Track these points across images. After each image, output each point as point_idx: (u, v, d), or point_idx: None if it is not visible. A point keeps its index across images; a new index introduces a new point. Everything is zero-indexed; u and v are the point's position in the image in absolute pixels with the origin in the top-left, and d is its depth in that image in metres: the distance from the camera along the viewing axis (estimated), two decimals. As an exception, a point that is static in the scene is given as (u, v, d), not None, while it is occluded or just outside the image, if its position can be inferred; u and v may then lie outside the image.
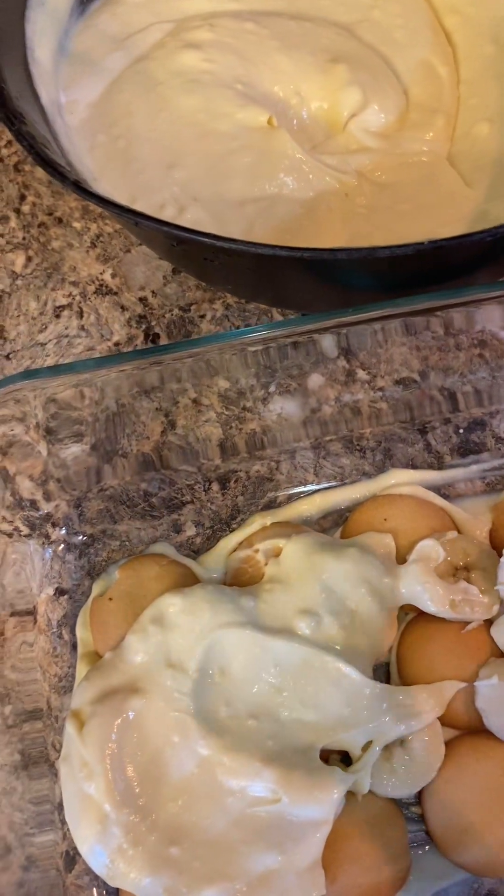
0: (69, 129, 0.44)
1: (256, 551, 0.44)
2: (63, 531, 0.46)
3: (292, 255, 0.32)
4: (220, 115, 0.45)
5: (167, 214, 0.41)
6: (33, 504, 0.46)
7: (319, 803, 0.37)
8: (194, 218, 0.42)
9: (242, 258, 0.34)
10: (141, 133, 0.45)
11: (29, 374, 0.38)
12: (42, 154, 0.36)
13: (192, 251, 0.37)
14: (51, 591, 0.45)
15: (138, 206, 0.40)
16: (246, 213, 0.43)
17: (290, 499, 0.47)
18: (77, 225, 0.54)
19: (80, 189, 0.35)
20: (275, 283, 0.41)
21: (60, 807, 0.39)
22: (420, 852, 0.40)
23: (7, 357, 0.51)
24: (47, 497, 0.46)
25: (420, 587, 0.41)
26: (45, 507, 0.46)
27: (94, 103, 0.46)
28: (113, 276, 0.52)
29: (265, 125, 0.45)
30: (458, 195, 0.46)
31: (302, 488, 0.47)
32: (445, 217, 0.45)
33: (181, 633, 0.40)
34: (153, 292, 0.52)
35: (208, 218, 0.42)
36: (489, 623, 0.41)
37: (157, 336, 0.51)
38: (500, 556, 0.41)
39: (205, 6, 0.50)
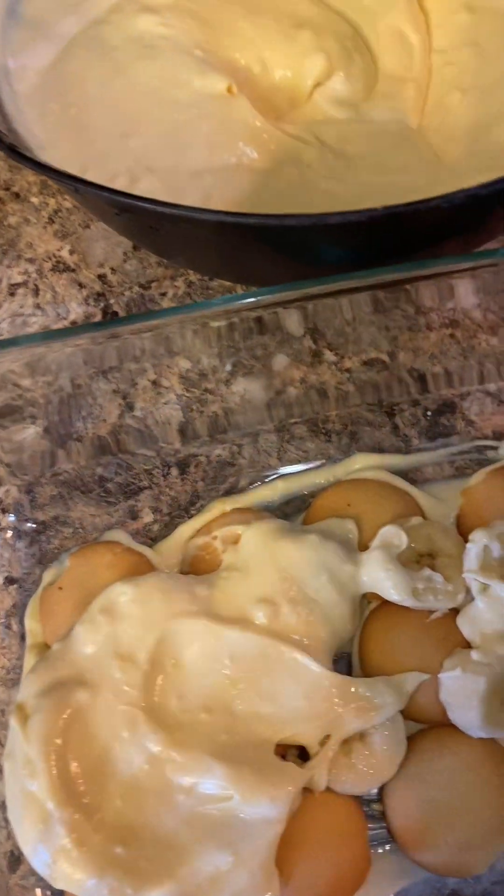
0: (17, 96, 0.41)
1: (214, 538, 0.42)
2: (13, 518, 0.44)
3: (238, 220, 0.30)
4: (178, 82, 0.43)
5: (119, 184, 0.39)
6: (-18, 489, 0.44)
7: (272, 801, 0.35)
8: (148, 188, 0.40)
9: (189, 225, 0.32)
10: (94, 101, 0.43)
11: (-31, 351, 0.36)
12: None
13: (135, 220, 0.35)
14: (0, 579, 0.43)
15: (89, 176, 0.38)
16: (203, 184, 0.41)
17: (252, 484, 0.45)
18: (35, 200, 0.52)
19: (15, 153, 0.33)
20: (233, 257, 0.40)
21: (4, 805, 0.38)
22: (381, 851, 0.38)
23: (-40, 337, 0.49)
24: (-3, 482, 0.44)
25: (382, 574, 0.39)
26: (-5, 493, 0.44)
27: (44, 70, 0.44)
28: (71, 252, 0.50)
29: (225, 93, 0.43)
30: (429, 166, 0.44)
31: (264, 473, 0.45)
32: (415, 189, 0.43)
33: (131, 623, 0.38)
34: (112, 269, 0.50)
35: (163, 188, 0.40)
36: (456, 612, 0.39)
37: (115, 314, 0.49)
38: (466, 542, 0.40)
39: None
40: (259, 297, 0.38)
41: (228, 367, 0.47)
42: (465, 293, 0.46)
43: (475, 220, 0.36)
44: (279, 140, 0.42)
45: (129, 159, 0.41)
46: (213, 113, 0.42)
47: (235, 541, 0.42)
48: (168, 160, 0.41)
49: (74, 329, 0.37)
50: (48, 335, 0.37)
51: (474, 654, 0.38)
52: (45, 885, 0.38)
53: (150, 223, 0.34)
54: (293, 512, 0.44)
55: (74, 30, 0.45)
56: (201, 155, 0.42)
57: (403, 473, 0.44)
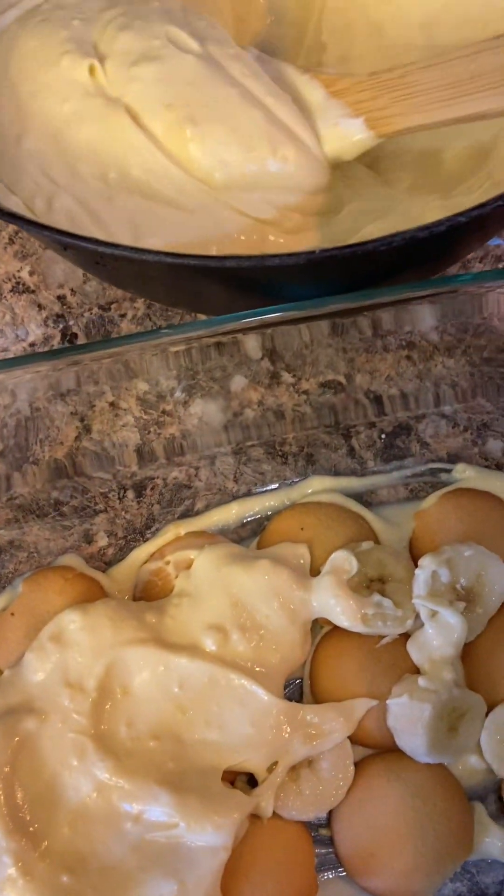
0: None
1: (167, 563, 0.42)
2: (-33, 542, 0.44)
3: (177, 262, 0.30)
4: (47, 62, 0.39)
5: (37, 207, 0.38)
6: None
7: (217, 828, 0.35)
8: (65, 207, 0.38)
9: (130, 263, 0.32)
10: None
11: None
12: None
13: (81, 256, 0.35)
14: (-46, 604, 0.43)
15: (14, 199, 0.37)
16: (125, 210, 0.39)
17: (209, 507, 0.45)
18: (-5, 220, 0.52)
19: None
20: (182, 290, 0.39)
21: (-47, 832, 0.38)
22: (328, 876, 0.38)
23: None
24: (-49, 506, 0.44)
25: (332, 600, 0.39)
26: None
27: None
28: (31, 273, 0.50)
29: (88, 79, 0.39)
30: (379, 194, 0.44)
31: (221, 496, 0.45)
32: (368, 216, 0.43)
33: (80, 650, 0.38)
34: (72, 290, 0.50)
35: (81, 211, 0.38)
36: (406, 637, 0.40)
37: (74, 336, 0.49)
38: (416, 567, 0.40)
39: None
40: (216, 326, 0.38)
41: (186, 390, 0.47)
42: (422, 317, 0.46)
43: (426, 256, 0.36)
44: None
45: (32, 170, 0.39)
46: (91, 113, 0.39)
47: (188, 565, 0.42)
48: (67, 174, 0.39)
49: (34, 356, 0.37)
50: (8, 363, 0.37)
51: (422, 681, 0.38)
52: (-5, 913, 0.38)
53: (94, 259, 0.34)
54: (249, 535, 0.45)
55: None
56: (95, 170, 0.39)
57: (358, 496, 0.45)
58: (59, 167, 0.37)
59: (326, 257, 0.30)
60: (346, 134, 0.40)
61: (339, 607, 0.39)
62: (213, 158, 0.39)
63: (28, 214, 0.35)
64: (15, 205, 0.37)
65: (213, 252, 0.37)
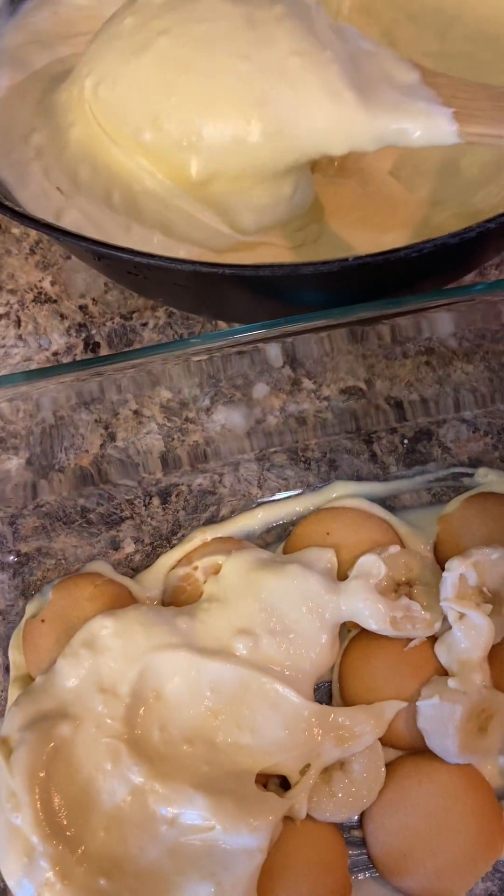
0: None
1: (196, 568, 0.43)
2: (-4, 550, 0.44)
3: (212, 271, 0.30)
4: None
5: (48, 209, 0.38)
6: (-36, 522, 0.44)
7: (253, 830, 0.36)
8: (73, 216, 0.39)
9: (167, 273, 0.32)
10: (23, 99, 0.42)
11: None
12: None
13: (114, 265, 0.36)
14: (-17, 612, 0.43)
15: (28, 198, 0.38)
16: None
17: (233, 513, 0.46)
18: (16, 231, 0.52)
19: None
20: (210, 298, 0.40)
21: (-11, 838, 0.38)
22: (361, 877, 0.39)
23: None
24: (-20, 515, 0.44)
25: (361, 604, 0.40)
26: (-23, 526, 0.44)
27: (11, 86, 0.43)
28: (52, 283, 0.51)
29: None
30: (397, 200, 0.45)
31: (245, 502, 0.46)
32: (388, 224, 0.44)
33: (113, 656, 0.39)
34: (94, 300, 0.50)
35: (83, 219, 0.39)
36: (433, 640, 0.40)
37: (97, 345, 0.49)
38: (443, 570, 0.40)
39: None
40: (239, 335, 0.38)
41: (209, 397, 0.47)
42: (441, 323, 0.47)
43: (449, 263, 0.37)
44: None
45: (36, 169, 0.40)
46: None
47: (216, 571, 0.42)
48: (68, 179, 0.40)
49: (57, 368, 0.38)
50: (31, 375, 0.37)
51: (451, 682, 0.38)
52: (31, 918, 0.38)
53: (127, 269, 0.35)
54: (274, 540, 0.45)
55: (43, 63, 0.45)
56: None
57: (381, 501, 0.45)
58: (61, 176, 0.38)
59: (359, 265, 0.30)
60: (428, 117, 0.36)
61: (367, 611, 0.39)
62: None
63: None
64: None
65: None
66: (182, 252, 0.36)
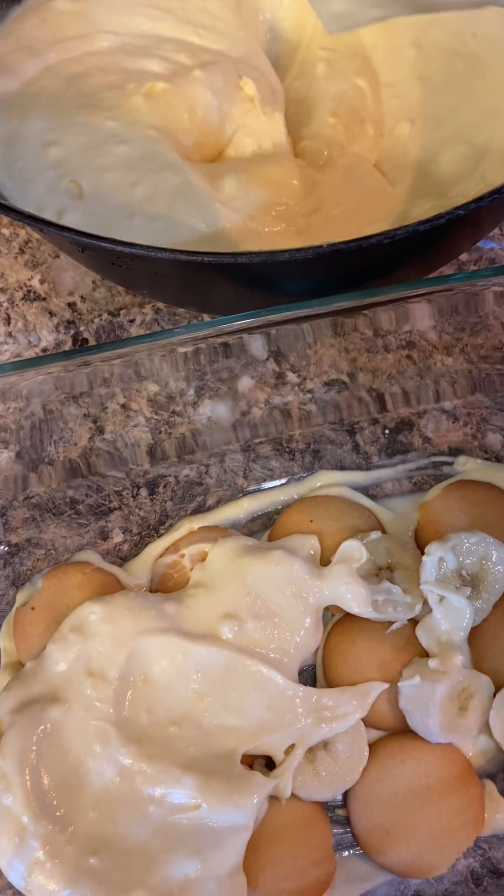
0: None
1: (182, 556, 0.44)
2: (-14, 540, 0.45)
3: (192, 259, 0.31)
4: (114, 85, 0.43)
5: (46, 216, 0.40)
6: (-45, 514, 0.45)
7: (239, 808, 0.37)
8: (75, 217, 0.41)
9: (148, 263, 0.33)
10: (33, 114, 0.43)
11: None
12: None
13: (98, 257, 0.37)
14: (-26, 601, 0.44)
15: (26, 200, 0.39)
16: (132, 223, 0.41)
17: (220, 502, 0.47)
18: (5, 231, 0.53)
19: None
20: (194, 289, 0.41)
21: (-20, 820, 0.39)
22: (346, 854, 0.39)
23: None
24: (-29, 506, 0.45)
25: (343, 588, 0.40)
26: (-31, 517, 0.45)
27: (5, 95, 0.45)
28: (41, 281, 0.52)
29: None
30: (381, 194, 0.46)
31: (231, 492, 0.47)
32: (370, 216, 0.45)
33: (101, 640, 0.39)
34: (82, 297, 0.51)
35: (87, 220, 0.41)
36: (415, 623, 0.41)
37: (85, 341, 0.50)
38: (423, 555, 0.41)
39: (145, 25, 0.49)
40: (222, 325, 0.39)
41: (195, 391, 0.48)
42: (421, 315, 0.48)
43: (423, 251, 0.38)
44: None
45: (50, 180, 0.42)
46: (139, 137, 0.43)
47: (203, 558, 0.43)
48: (91, 182, 0.42)
49: (46, 357, 0.39)
50: (20, 364, 0.38)
51: (432, 663, 0.39)
52: (23, 898, 0.39)
53: (111, 260, 0.36)
54: (259, 529, 0.46)
55: (33, 71, 0.47)
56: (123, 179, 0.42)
57: (364, 489, 0.46)
58: (85, 178, 0.39)
59: (333, 251, 0.31)
60: None
61: (349, 594, 0.40)
62: None
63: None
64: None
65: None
66: (181, 235, 0.38)
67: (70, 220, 0.39)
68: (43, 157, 0.40)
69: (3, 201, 0.35)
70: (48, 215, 0.39)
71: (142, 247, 0.32)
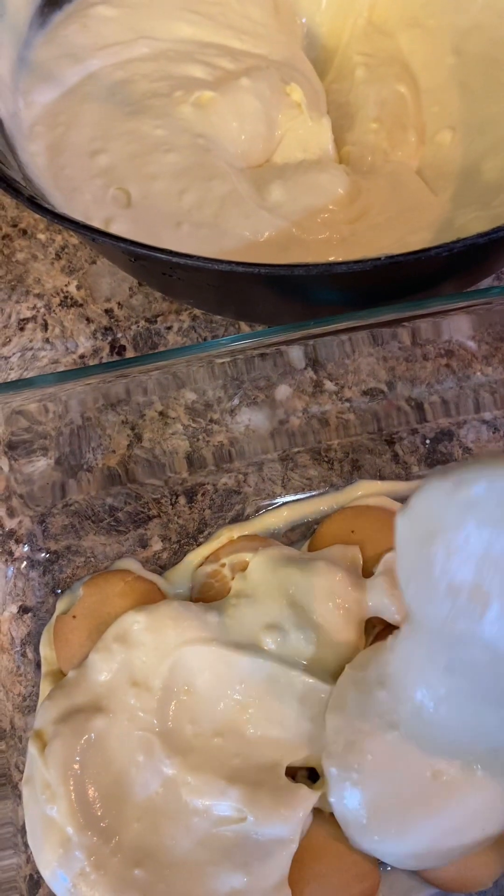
0: (26, 141, 0.43)
1: (223, 565, 0.43)
2: (26, 548, 0.45)
3: (247, 271, 0.31)
4: (159, 93, 0.44)
5: (97, 218, 0.40)
6: (-4, 521, 0.45)
7: (285, 821, 0.36)
8: (122, 225, 0.41)
9: (201, 273, 0.33)
10: (78, 120, 0.44)
11: (-14, 390, 0.37)
12: (-4, 170, 0.35)
13: (148, 267, 0.37)
14: (14, 608, 0.44)
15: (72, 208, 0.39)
16: (179, 228, 0.42)
17: (258, 511, 0.46)
18: (42, 237, 0.53)
19: (35, 205, 0.34)
20: (238, 298, 0.41)
21: (23, 829, 0.39)
22: (389, 868, 0.39)
23: (-29, 371, 0.50)
24: (10, 513, 0.45)
25: (387, 600, 0.40)
26: (8, 524, 0.45)
27: (48, 103, 0.45)
28: (78, 287, 0.52)
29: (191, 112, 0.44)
30: (424, 202, 0.46)
31: (270, 501, 0.47)
32: (413, 224, 0.45)
33: (145, 650, 0.39)
34: (119, 304, 0.51)
35: (134, 229, 0.41)
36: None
37: (122, 348, 0.50)
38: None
39: (185, 31, 0.49)
40: (262, 338, 0.39)
41: (233, 399, 0.48)
42: (460, 325, 0.48)
43: (473, 264, 0.38)
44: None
45: (97, 188, 0.42)
46: (187, 145, 0.43)
47: (243, 568, 0.43)
48: (138, 190, 0.42)
49: (86, 370, 0.39)
50: (62, 376, 0.38)
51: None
52: (65, 909, 0.39)
53: (162, 270, 0.36)
54: (298, 538, 0.46)
55: (76, 78, 0.47)
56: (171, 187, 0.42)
57: (404, 500, 0.46)
58: (133, 185, 0.39)
59: (390, 264, 0.31)
60: None
61: (394, 606, 0.40)
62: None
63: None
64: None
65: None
66: (227, 243, 0.38)
67: (117, 229, 0.39)
68: (90, 165, 0.40)
69: (55, 210, 0.35)
70: (95, 223, 0.39)
71: (198, 258, 0.32)
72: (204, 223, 0.40)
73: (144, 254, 0.33)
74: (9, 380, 0.50)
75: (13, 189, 0.35)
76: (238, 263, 0.32)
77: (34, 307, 0.51)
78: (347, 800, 0.36)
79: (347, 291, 0.39)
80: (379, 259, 0.31)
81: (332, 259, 0.40)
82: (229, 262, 0.32)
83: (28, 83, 0.46)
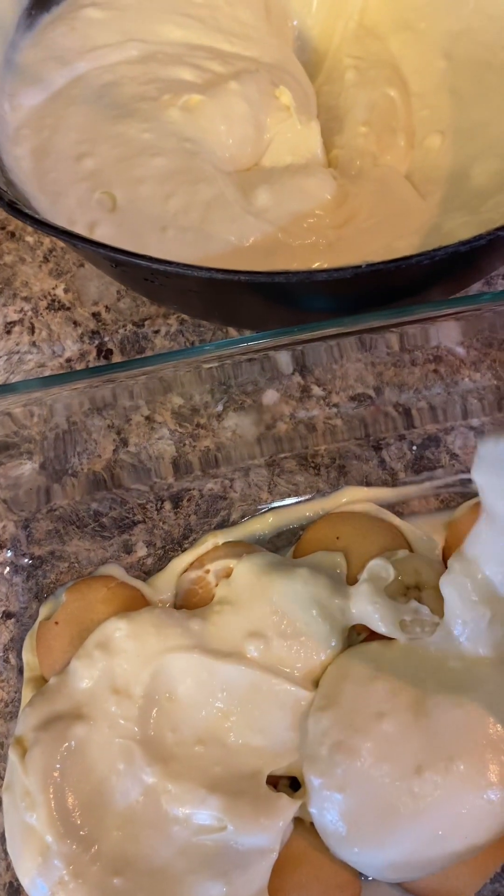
0: (11, 145, 0.43)
1: (207, 572, 0.43)
2: (10, 553, 0.45)
3: (227, 277, 0.31)
4: (146, 97, 0.43)
5: (77, 230, 0.40)
6: (-21, 526, 0.45)
7: (265, 831, 0.36)
8: (106, 230, 0.41)
9: (183, 280, 0.33)
10: (63, 123, 0.44)
11: (-32, 395, 0.37)
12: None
13: (130, 272, 0.37)
14: (-3, 614, 0.44)
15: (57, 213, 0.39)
16: (165, 236, 0.41)
17: (244, 517, 0.46)
18: (30, 239, 0.53)
19: (16, 210, 0.34)
20: (223, 304, 0.41)
21: (3, 837, 0.38)
22: (370, 877, 0.39)
23: (-43, 374, 0.50)
24: (-6, 518, 0.45)
25: (370, 607, 0.40)
26: (-8, 529, 0.45)
27: (34, 106, 0.45)
28: (66, 290, 0.52)
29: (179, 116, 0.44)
30: (412, 207, 0.45)
31: (255, 506, 0.46)
32: (401, 229, 0.44)
33: (127, 657, 0.39)
34: (107, 307, 0.51)
35: (119, 233, 0.40)
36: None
37: (109, 352, 0.50)
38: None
39: (175, 34, 0.49)
40: (249, 343, 0.39)
41: (220, 404, 0.48)
42: (448, 331, 0.48)
43: (459, 270, 0.38)
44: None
45: (83, 192, 0.41)
46: (174, 149, 0.43)
47: (228, 574, 0.43)
48: (125, 195, 0.42)
49: (72, 374, 0.39)
50: (46, 381, 0.38)
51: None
52: (44, 916, 0.39)
53: (144, 276, 0.35)
54: (284, 545, 0.46)
55: (63, 80, 0.46)
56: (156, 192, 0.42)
57: (391, 506, 0.46)
58: (119, 190, 0.39)
59: (371, 272, 0.31)
60: None
61: (377, 614, 0.40)
62: None
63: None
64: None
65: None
66: (213, 248, 0.38)
67: (102, 233, 0.39)
68: (76, 168, 0.40)
69: (35, 215, 0.35)
70: (80, 228, 0.38)
71: (178, 265, 0.31)
72: (189, 227, 0.40)
73: (125, 260, 0.33)
74: (-5, 383, 0.50)
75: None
76: (218, 270, 0.31)
77: (21, 310, 0.51)
78: (328, 810, 0.36)
79: (332, 298, 0.39)
80: (360, 267, 0.31)
81: (317, 265, 0.40)
82: (209, 269, 0.31)
83: (14, 86, 0.45)
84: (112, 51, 0.47)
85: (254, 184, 0.43)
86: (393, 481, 0.46)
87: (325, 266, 0.40)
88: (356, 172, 0.46)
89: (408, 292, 0.41)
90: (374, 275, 0.32)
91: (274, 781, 0.39)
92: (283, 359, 0.48)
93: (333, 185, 0.44)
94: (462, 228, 0.43)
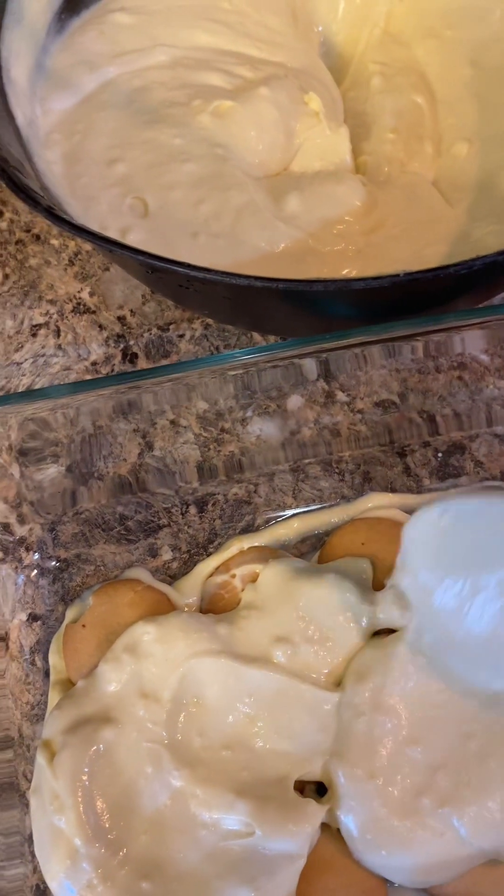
0: (43, 149, 0.43)
1: (233, 576, 0.43)
2: (37, 556, 0.45)
3: (266, 285, 0.31)
4: (176, 102, 0.44)
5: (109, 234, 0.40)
6: (6, 528, 0.45)
7: (293, 836, 0.36)
8: (139, 235, 0.41)
9: (217, 286, 0.33)
10: (95, 129, 0.44)
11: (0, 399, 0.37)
12: (14, 179, 0.35)
13: (165, 279, 0.37)
14: (23, 616, 0.44)
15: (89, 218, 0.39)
16: (196, 242, 0.41)
17: (269, 522, 0.46)
18: (55, 242, 0.53)
19: (54, 216, 0.34)
20: (252, 310, 0.41)
21: (31, 839, 0.39)
22: (397, 884, 0.39)
23: (-18, 376, 0.50)
24: (21, 520, 0.45)
25: (397, 612, 0.40)
26: (19, 531, 0.45)
27: (65, 111, 0.45)
28: (91, 294, 0.52)
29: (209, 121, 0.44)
30: (440, 214, 0.46)
31: (280, 512, 0.46)
32: (429, 237, 0.45)
33: (155, 662, 0.39)
34: (132, 311, 0.51)
35: (151, 239, 0.41)
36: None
37: (135, 356, 0.50)
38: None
39: (203, 39, 0.49)
40: (275, 351, 0.39)
41: (245, 409, 0.48)
42: (473, 338, 0.48)
43: (490, 280, 0.38)
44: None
45: (114, 197, 0.42)
46: (205, 155, 0.43)
47: (254, 579, 0.43)
48: (156, 201, 0.42)
49: (99, 381, 0.39)
50: (75, 387, 0.38)
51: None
52: (71, 919, 0.39)
53: (179, 283, 0.36)
54: (308, 550, 0.46)
55: (93, 85, 0.47)
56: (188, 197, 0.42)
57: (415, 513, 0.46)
58: (150, 196, 0.39)
59: (409, 280, 0.31)
60: None
61: (404, 619, 0.40)
62: None
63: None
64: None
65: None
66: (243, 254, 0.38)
67: (133, 239, 0.39)
68: (107, 173, 0.40)
69: (72, 220, 0.35)
70: (111, 233, 0.39)
71: (216, 272, 0.32)
72: (221, 234, 0.40)
73: (163, 267, 0.33)
74: (21, 385, 0.50)
75: (31, 199, 0.35)
76: (256, 278, 0.32)
77: (47, 313, 0.51)
78: (354, 811, 0.36)
79: (362, 306, 0.39)
80: (398, 275, 0.31)
81: (346, 271, 0.40)
82: (247, 277, 0.32)
83: (45, 90, 0.46)
84: (141, 56, 0.47)
85: (284, 190, 0.43)
86: (418, 488, 0.47)
87: (355, 272, 0.40)
88: (384, 179, 0.47)
89: (436, 301, 0.41)
90: (410, 284, 0.32)
91: (300, 787, 0.39)
92: (308, 364, 0.48)
93: (363, 192, 0.44)
94: (490, 237, 0.44)
